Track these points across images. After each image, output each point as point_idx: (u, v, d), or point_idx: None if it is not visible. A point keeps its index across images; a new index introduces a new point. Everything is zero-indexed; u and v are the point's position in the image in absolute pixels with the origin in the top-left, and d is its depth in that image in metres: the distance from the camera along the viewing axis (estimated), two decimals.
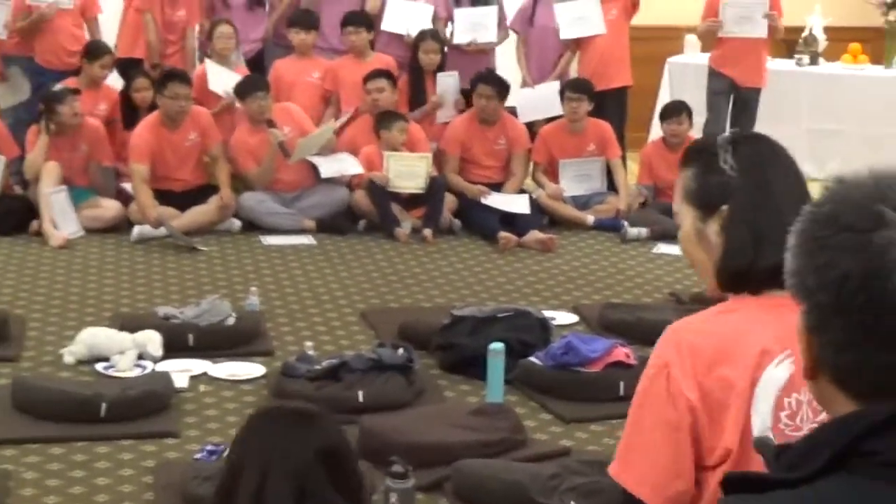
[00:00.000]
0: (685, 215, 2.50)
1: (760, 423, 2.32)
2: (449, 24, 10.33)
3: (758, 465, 2.31)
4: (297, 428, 3.12)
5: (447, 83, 9.91)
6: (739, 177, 2.42)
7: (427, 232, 9.08)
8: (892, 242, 1.48)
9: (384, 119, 9.38)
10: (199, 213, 9.07)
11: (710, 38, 10.32)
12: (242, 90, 9.26)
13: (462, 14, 10.26)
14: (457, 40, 10.16)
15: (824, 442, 1.52)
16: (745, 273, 2.39)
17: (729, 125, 10.15)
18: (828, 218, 1.54)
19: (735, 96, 10.23)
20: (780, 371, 2.32)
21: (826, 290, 1.52)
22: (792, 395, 2.33)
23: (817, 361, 1.57)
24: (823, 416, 2.35)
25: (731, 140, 2.47)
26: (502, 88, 9.64)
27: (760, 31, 10.07)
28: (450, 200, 9.41)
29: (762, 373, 2.31)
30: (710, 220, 2.44)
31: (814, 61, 11.44)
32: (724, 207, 2.41)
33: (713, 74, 10.31)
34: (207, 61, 9.69)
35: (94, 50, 9.57)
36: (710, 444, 2.31)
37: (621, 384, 6.18)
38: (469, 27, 10.22)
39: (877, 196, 1.52)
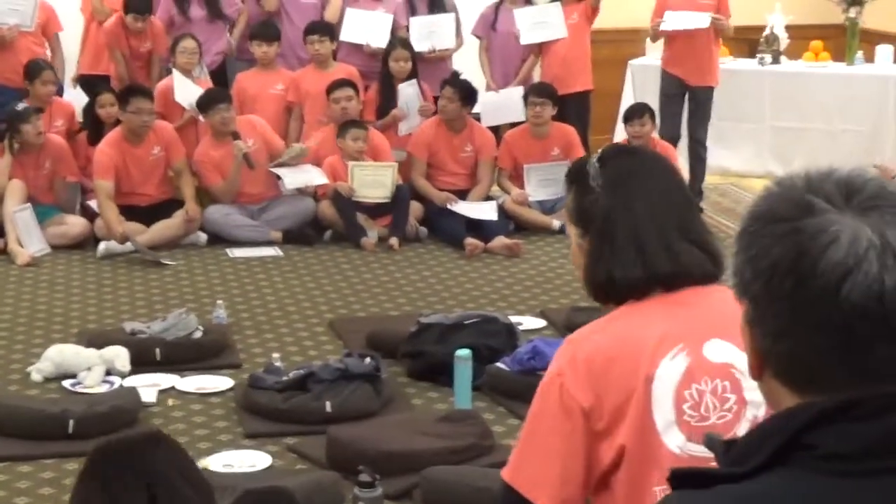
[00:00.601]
0: (571, 233, 2.65)
1: (663, 418, 2.37)
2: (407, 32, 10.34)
3: (660, 460, 2.36)
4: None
5: (408, 93, 9.92)
6: (604, 194, 2.53)
7: (393, 240, 9.10)
8: (821, 229, 1.51)
9: (343, 128, 9.39)
10: (165, 228, 9.06)
11: (658, 40, 10.33)
12: (205, 104, 9.25)
13: (418, 22, 10.27)
14: (415, 48, 10.17)
15: (768, 436, 1.54)
16: (605, 286, 2.51)
17: (686, 125, 10.17)
18: (762, 213, 1.58)
19: (688, 96, 10.25)
20: (676, 364, 2.38)
21: (759, 280, 1.55)
22: (692, 387, 2.38)
23: (760, 356, 1.60)
24: (731, 404, 2.40)
25: (599, 158, 2.59)
26: (467, 94, 9.65)
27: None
28: (415, 207, 9.43)
29: (656, 369, 2.36)
30: (586, 237, 2.56)
31: (776, 60, 11.48)
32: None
33: (664, 76, 10.33)
34: (174, 72, 9.67)
35: (33, 69, 9.48)
36: (609, 445, 2.38)
37: None
38: (426, 35, 10.23)
39: (808, 189, 1.56)
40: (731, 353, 2.41)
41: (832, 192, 1.54)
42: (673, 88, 10.25)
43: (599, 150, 2.65)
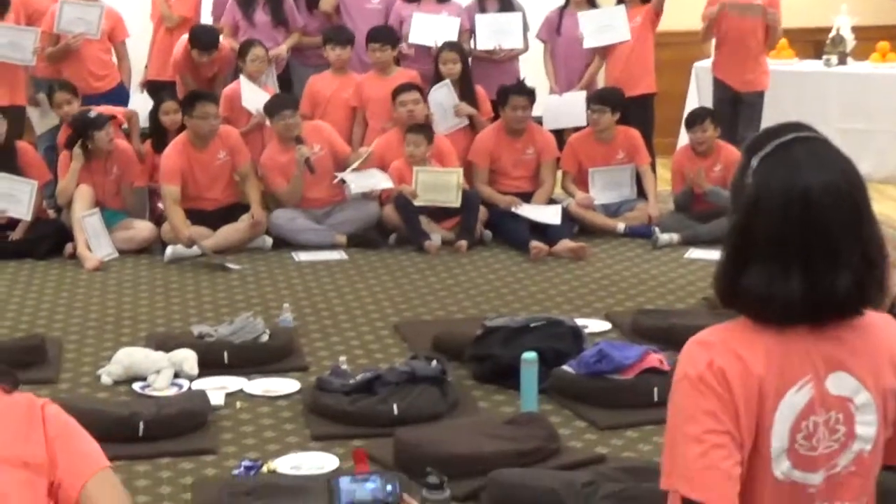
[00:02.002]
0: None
1: (778, 445, 2.34)
2: (472, 34, 10.35)
3: (763, 484, 2.33)
4: None
5: (440, 94, 9.91)
6: (749, 190, 2.37)
7: (462, 244, 9.12)
8: None
9: (412, 131, 9.42)
10: (230, 232, 9.13)
11: (710, 33, 10.27)
12: (270, 109, 9.32)
13: (485, 20, 10.28)
14: (481, 46, 10.18)
15: None
16: (729, 296, 2.39)
17: (737, 128, 10.11)
18: None
19: (738, 101, 10.22)
20: (801, 396, 2.33)
21: None
22: (809, 419, 2.34)
23: None
24: (839, 436, 2.36)
25: (777, 144, 2.39)
26: (533, 98, 9.67)
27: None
28: (480, 211, 9.43)
29: (782, 399, 2.32)
30: (731, 219, 2.43)
31: (842, 61, 11.41)
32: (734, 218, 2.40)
33: (715, 82, 10.35)
34: (242, 78, 9.75)
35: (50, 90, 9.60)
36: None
37: (655, 390, 6.18)
38: (493, 33, 10.24)
39: None
40: (852, 387, 2.37)
41: None
42: (723, 93, 10.23)
43: (779, 141, 2.40)
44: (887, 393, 2.39)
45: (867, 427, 2.38)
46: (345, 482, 3.25)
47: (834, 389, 2.35)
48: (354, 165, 9.40)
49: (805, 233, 2.30)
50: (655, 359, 6.35)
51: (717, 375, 2.29)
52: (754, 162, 2.37)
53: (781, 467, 2.34)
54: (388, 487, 3.35)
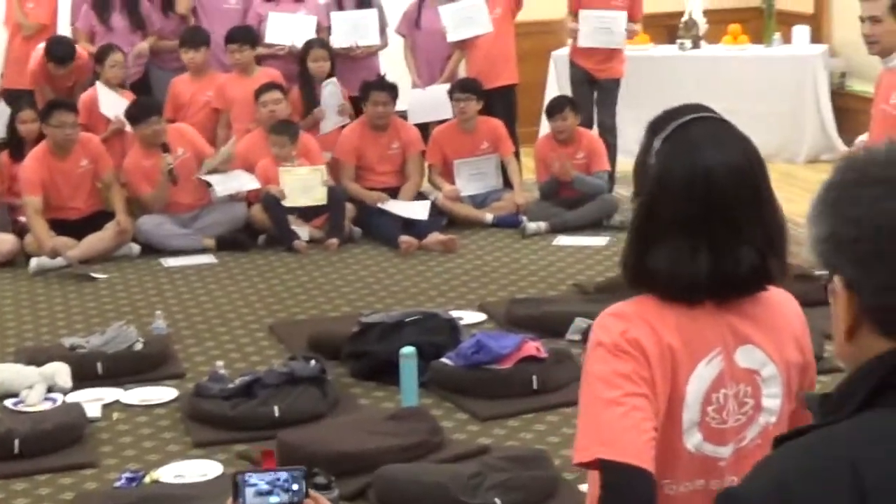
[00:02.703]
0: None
1: (689, 419, 2.37)
2: (329, 31, 10.31)
3: (675, 457, 2.36)
4: None
5: (329, 92, 9.90)
6: (651, 170, 2.40)
7: (332, 241, 9.09)
8: None
9: (274, 131, 9.37)
10: (96, 241, 8.98)
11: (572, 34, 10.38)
12: (135, 116, 9.19)
13: (340, 18, 10.25)
14: (336, 44, 10.14)
15: (860, 381, 1.59)
16: (638, 276, 2.42)
17: (594, 113, 10.20)
18: (852, 179, 1.64)
19: (594, 86, 10.31)
20: (711, 369, 2.37)
21: (866, 238, 1.61)
22: (720, 391, 2.38)
23: (858, 315, 1.64)
24: (748, 409, 2.40)
25: (677, 126, 2.40)
26: (395, 93, 9.67)
27: (618, 41, 10.13)
28: (348, 208, 9.41)
29: (693, 371, 2.36)
30: (635, 201, 2.47)
31: (696, 45, 11.59)
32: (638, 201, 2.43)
33: (572, 66, 10.40)
34: (98, 84, 9.61)
35: None
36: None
37: (534, 378, 6.25)
38: (349, 30, 10.22)
39: (894, 152, 1.64)
40: (759, 360, 2.41)
41: None
42: (580, 78, 10.30)
43: (678, 122, 2.40)
44: (791, 366, 2.44)
45: (773, 399, 2.43)
46: (251, 477, 3.21)
47: (742, 362, 2.40)
48: (213, 164, 9.29)
49: (708, 212, 2.34)
50: (532, 347, 6.40)
51: (632, 343, 2.32)
52: (656, 143, 2.40)
53: (693, 440, 2.38)
54: (295, 486, 3.32)
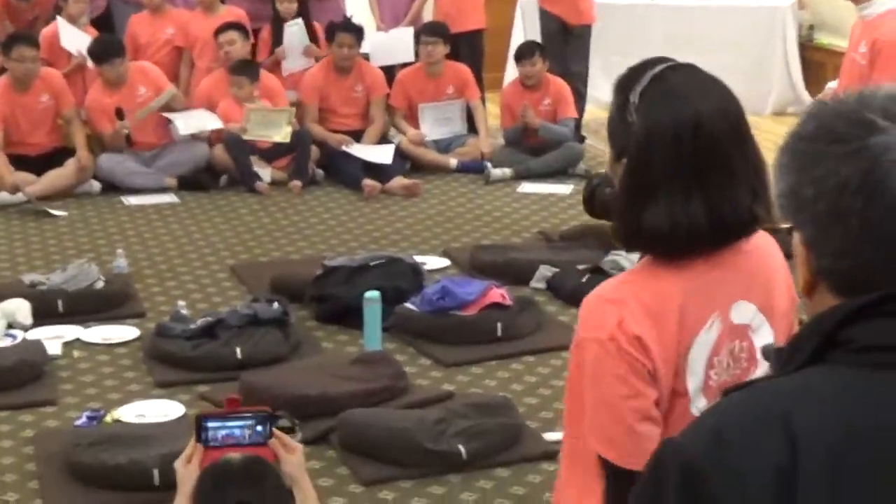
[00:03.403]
0: (607, 150, 2.46)
1: (694, 385, 2.35)
2: None
3: (684, 424, 2.34)
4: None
5: (292, 32, 9.80)
6: (636, 126, 2.33)
7: (296, 184, 9.03)
8: (888, 146, 1.53)
9: (233, 71, 9.27)
10: (56, 177, 8.89)
11: None
12: (99, 55, 9.06)
13: None
14: None
15: (807, 337, 1.57)
16: (635, 234, 2.36)
17: (565, 60, 10.14)
18: (817, 133, 1.59)
19: (566, 34, 10.26)
20: (711, 334, 2.34)
21: (823, 200, 1.56)
22: (721, 352, 2.36)
23: (815, 274, 1.62)
24: (743, 363, 2.38)
25: (651, 79, 2.35)
26: (360, 35, 9.59)
27: None
28: (312, 151, 9.34)
29: (695, 338, 2.33)
30: (618, 164, 2.39)
31: None
32: (623, 161, 2.37)
33: (543, 14, 10.33)
34: (59, 19, 9.49)
35: None
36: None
37: (499, 325, 6.24)
38: None
39: (863, 107, 1.57)
40: (751, 313, 2.39)
41: (888, 108, 1.56)
42: (552, 26, 10.25)
43: (650, 75, 2.35)
44: (781, 314, 2.42)
45: None
46: (213, 420, 3.18)
47: (736, 319, 2.37)
48: (153, 105, 9.15)
49: (700, 159, 2.30)
50: (497, 294, 6.38)
51: (632, 341, 2.28)
52: (633, 98, 2.34)
53: (699, 404, 2.35)
54: (259, 427, 3.30)
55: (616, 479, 2.29)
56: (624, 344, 2.27)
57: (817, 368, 1.55)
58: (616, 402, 2.29)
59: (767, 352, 1.72)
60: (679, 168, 2.30)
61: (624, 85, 2.38)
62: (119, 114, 9.02)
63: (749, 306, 2.39)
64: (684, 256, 2.33)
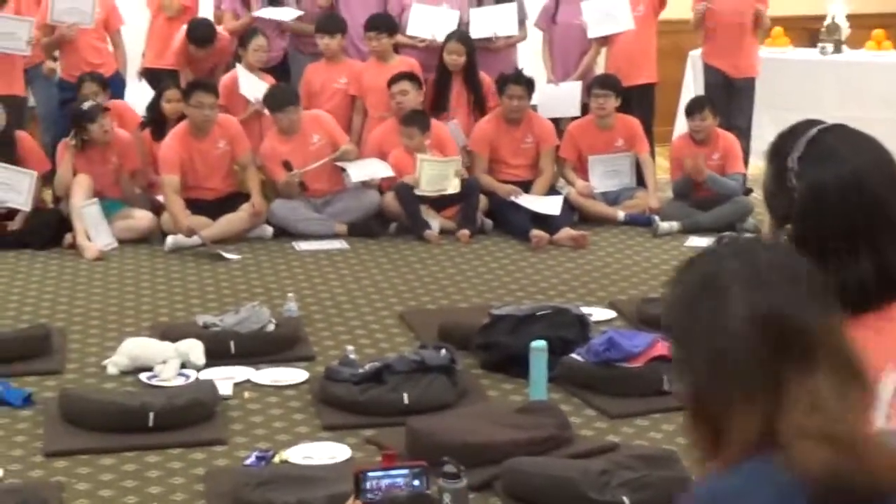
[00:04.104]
0: (766, 212, 2.47)
1: (881, 418, 2.33)
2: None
3: None
4: None
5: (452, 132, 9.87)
6: (798, 191, 2.34)
7: (463, 233, 9.11)
8: None
9: (404, 122, 9.40)
10: (230, 222, 9.10)
11: (700, 23, 10.28)
12: (273, 103, 9.29)
13: (480, 12, 10.25)
14: (475, 34, 10.14)
15: None
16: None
17: (728, 114, 10.08)
18: None
19: (729, 88, 10.23)
20: (888, 387, 2.33)
21: None
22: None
23: None
24: None
25: (807, 142, 2.36)
26: (531, 87, 9.66)
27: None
28: (480, 200, 9.41)
29: (884, 375, 2.32)
30: (780, 231, 2.40)
31: (837, 49, 11.41)
32: (787, 227, 2.37)
33: (706, 68, 10.36)
34: (238, 67, 9.73)
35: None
36: None
37: (664, 378, 6.20)
38: (488, 22, 10.22)
39: None
40: None
41: None
42: (715, 80, 10.24)
43: (805, 138, 2.37)
44: None
45: None
46: (373, 474, 3.24)
47: None
48: (328, 160, 9.32)
49: (866, 216, 2.30)
50: (664, 346, 6.34)
51: None
52: (792, 164, 2.35)
53: None
54: (416, 482, 3.34)
55: None
56: None
57: None
58: None
59: None
60: (847, 228, 2.30)
61: (778, 151, 2.40)
62: (287, 166, 9.21)
63: None
64: (858, 314, 2.32)
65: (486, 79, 10.03)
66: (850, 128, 2.42)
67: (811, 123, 2.42)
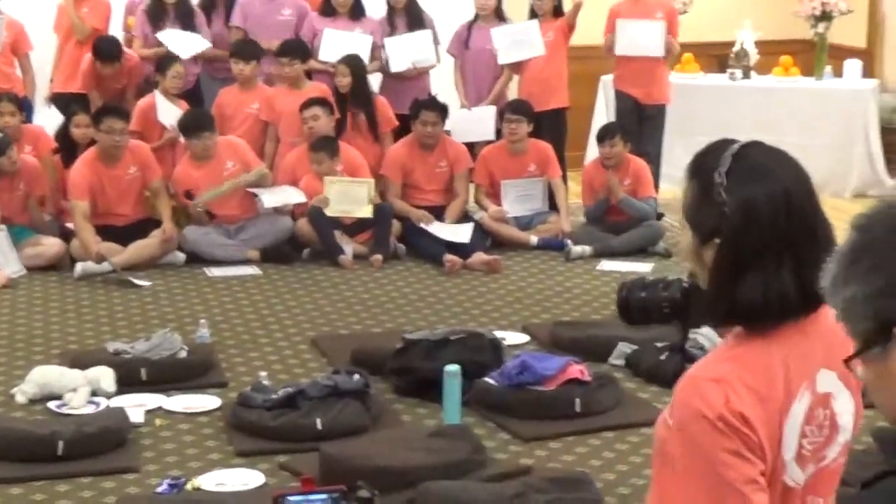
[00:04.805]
0: (685, 230, 2.46)
1: (790, 455, 2.35)
2: (383, 52, 10.32)
3: (778, 495, 2.34)
4: None
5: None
6: (728, 207, 2.35)
7: (377, 258, 9.09)
8: None
9: (313, 148, 9.37)
10: (141, 248, 9.02)
11: (612, 50, 10.38)
12: (189, 128, 9.24)
13: (395, 43, 10.26)
14: (395, 69, 10.18)
15: None
16: (728, 314, 2.37)
17: (639, 140, 10.18)
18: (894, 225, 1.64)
19: (641, 114, 10.33)
20: (802, 404, 2.35)
21: None
22: (812, 423, 2.36)
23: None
24: (826, 430, 2.38)
25: (732, 158, 2.37)
26: (445, 113, 9.69)
27: (655, 51, 10.17)
28: (393, 225, 9.41)
29: (790, 408, 2.33)
30: (706, 247, 2.41)
31: (746, 75, 11.57)
32: (716, 241, 2.38)
33: (618, 94, 10.46)
34: (157, 93, 9.66)
35: None
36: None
37: (577, 401, 6.24)
38: (405, 53, 10.24)
39: None
40: (833, 381, 2.39)
41: None
42: (626, 106, 10.34)
43: (730, 154, 2.39)
44: (852, 377, 2.42)
45: (846, 416, 2.42)
46: (293, 498, 3.23)
47: (821, 387, 2.37)
48: (240, 181, 9.28)
49: (793, 230, 2.33)
50: (577, 370, 6.39)
51: (738, 418, 2.28)
52: (719, 178, 2.37)
53: (793, 475, 2.36)
54: None
55: None
56: (733, 421, 2.26)
57: None
58: (731, 476, 2.26)
59: (884, 436, 1.72)
60: (774, 241, 2.33)
61: (701, 167, 2.42)
62: (188, 195, 9.16)
63: (831, 374, 2.39)
64: (777, 326, 2.35)
65: (382, 101, 10.02)
66: (768, 144, 2.46)
67: (729, 141, 2.44)
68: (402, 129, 10.05)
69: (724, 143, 2.44)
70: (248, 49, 9.96)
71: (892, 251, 1.62)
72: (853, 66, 11.68)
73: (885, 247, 1.63)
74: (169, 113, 9.59)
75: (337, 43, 10.12)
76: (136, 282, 8.60)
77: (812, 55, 11.74)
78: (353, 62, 9.88)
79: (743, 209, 2.34)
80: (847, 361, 1.69)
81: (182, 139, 9.42)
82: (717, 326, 2.40)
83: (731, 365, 2.34)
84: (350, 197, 9.28)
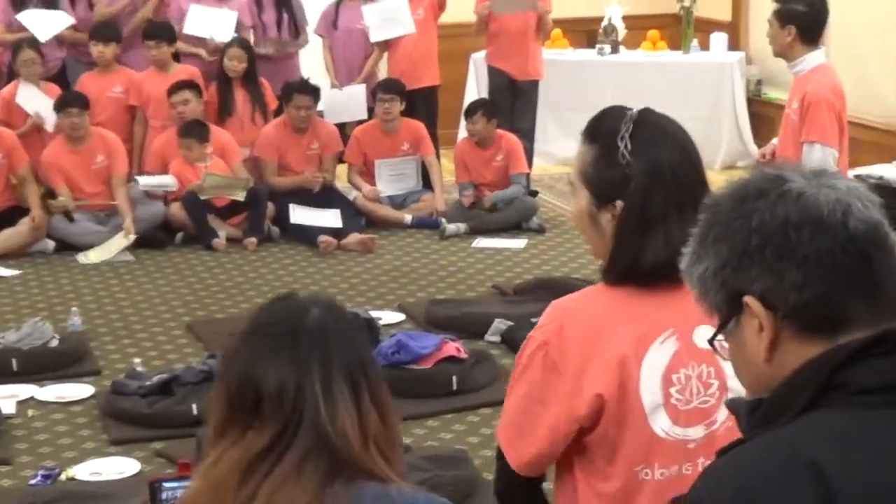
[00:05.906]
0: (580, 193, 2.50)
1: (650, 400, 2.38)
2: (251, 32, 10.24)
3: (644, 441, 2.38)
4: None
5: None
6: (634, 169, 2.40)
7: (251, 240, 9.04)
8: (802, 188, 1.64)
9: (181, 133, 9.28)
10: (10, 236, 8.87)
11: (482, 27, 10.40)
12: (57, 105, 9.11)
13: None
14: (263, 50, 10.12)
15: (802, 384, 1.60)
16: (630, 271, 2.43)
17: (512, 116, 10.24)
18: (743, 194, 1.68)
19: (514, 90, 10.38)
20: (665, 348, 2.39)
21: (772, 242, 1.63)
22: (680, 371, 2.40)
23: (778, 325, 1.65)
24: (714, 389, 2.42)
25: (633, 123, 2.43)
26: (317, 96, 9.65)
27: (530, 4, 10.19)
28: (268, 207, 9.35)
29: (646, 350, 2.37)
30: (603, 209, 2.45)
31: (615, 50, 11.67)
32: (619, 203, 2.42)
33: (491, 70, 10.48)
34: (21, 79, 9.47)
35: None
36: (586, 397, 2.40)
37: (454, 378, 6.27)
38: (271, 39, 10.20)
39: (769, 172, 1.70)
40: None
41: (781, 174, 1.68)
42: (499, 82, 10.37)
43: (628, 115, 2.46)
44: None
45: (736, 379, 2.47)
46: (168, 483, 3.21)
47: (700, 343, 2.40)
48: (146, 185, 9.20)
49: (681, 195, 2.40)
50: (452, 347, 6.41)
51: (560, 346, 2.36)
52: (621, 143, 2.40)
53: (660, 423, 2.39)
54: None
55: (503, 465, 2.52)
56: (553, 352, 2.35)
57: (820, 414, 1.56)
58: (519, 398, 2.47)
59: (736, 405, 1.74)
60: (675, 200, 2.40)
61: (599, 132, 2.45)
62: (51, 194, 9.03)
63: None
64: (644, 284, 2.40)
65: (264, 82, 9.96)
66: (660, 113, 2.53)
67: (621, 107, 2.51)
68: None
69: (619, 109, 2.49)
70: (107, 30, 9.80)
71: (736, 220, 1.65)
72: (719, 39, 11.82)
73: (729, 217, 1.65)
74: (30, 99, 9.41)
75: (202, 19, 10.01)
76: (5, 271, 8.45)
77: (679, 29, 11.88)
78: (245, 44, 9.81)
79: (648, 171, 2.39)
80: (711, 342, 1.72)
81: (49, 127, 9.25)
82: (612, 286, 2.44)
83: (588, 296, 2.48)
84: (225, 185, 9.20)
